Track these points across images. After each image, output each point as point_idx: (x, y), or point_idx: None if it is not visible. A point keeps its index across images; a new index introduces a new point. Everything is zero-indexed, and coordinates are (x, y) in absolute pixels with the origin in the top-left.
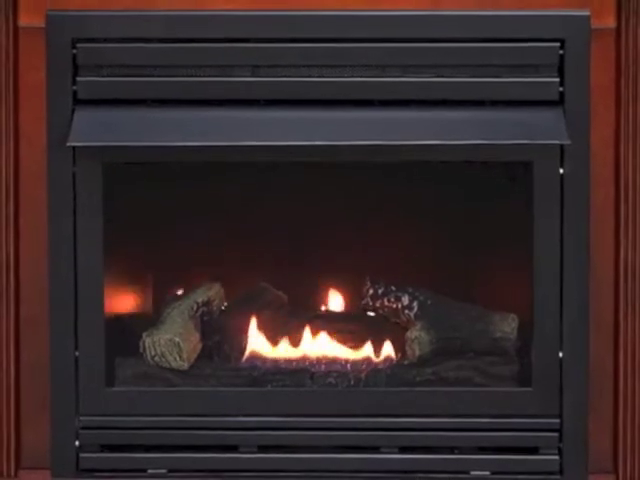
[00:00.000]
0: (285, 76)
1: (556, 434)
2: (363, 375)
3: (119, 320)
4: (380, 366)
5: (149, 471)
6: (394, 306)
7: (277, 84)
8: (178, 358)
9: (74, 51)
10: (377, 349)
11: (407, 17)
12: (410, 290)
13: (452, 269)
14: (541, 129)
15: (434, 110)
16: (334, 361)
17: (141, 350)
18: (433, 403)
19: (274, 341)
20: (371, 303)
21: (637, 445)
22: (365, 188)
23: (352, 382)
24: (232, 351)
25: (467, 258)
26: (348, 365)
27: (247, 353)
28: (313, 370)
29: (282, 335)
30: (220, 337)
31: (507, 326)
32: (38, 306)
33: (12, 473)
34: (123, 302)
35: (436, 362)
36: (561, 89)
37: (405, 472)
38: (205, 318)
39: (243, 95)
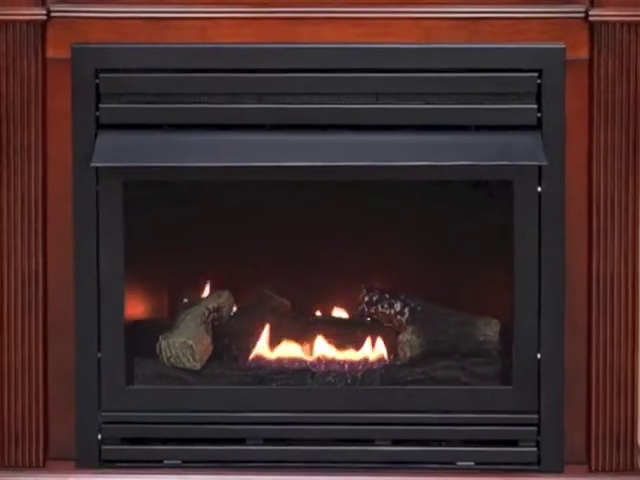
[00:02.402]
0: (288, 103)
1: (534, 428)
2: (359, 374)
3: (138, 325)
4: (375, 366)
5: (165, 462)
6: (387, 312)
7: (281, 110)
8: (191, 359)
9: (97, 80)
10: (372, 351)
11: (400, 50)
12: (402, 297)
13: (440, 279)
14: (520, 151)
15: (424, 134)
16: (333, 362)
17: (158, 352)
18: (423, 400)
19: (278, 343)
20: (367, 309)
21: (608, 438)
22: (361, 204)
23: (349, 381)
24: (240, 353)
25: (454, 269)
26: (346, 365)
27: (254, 354)
28: (314, 370)
29: (285, 338)
30: (229, 340)
31: (490, 330)
32: (64, 312)
33: (40, 463)
34: (141, 308)
35: (426, 363)
36: (539, 115)
37: (397, 462)
38: (216, 323)
39: (249, 120)
